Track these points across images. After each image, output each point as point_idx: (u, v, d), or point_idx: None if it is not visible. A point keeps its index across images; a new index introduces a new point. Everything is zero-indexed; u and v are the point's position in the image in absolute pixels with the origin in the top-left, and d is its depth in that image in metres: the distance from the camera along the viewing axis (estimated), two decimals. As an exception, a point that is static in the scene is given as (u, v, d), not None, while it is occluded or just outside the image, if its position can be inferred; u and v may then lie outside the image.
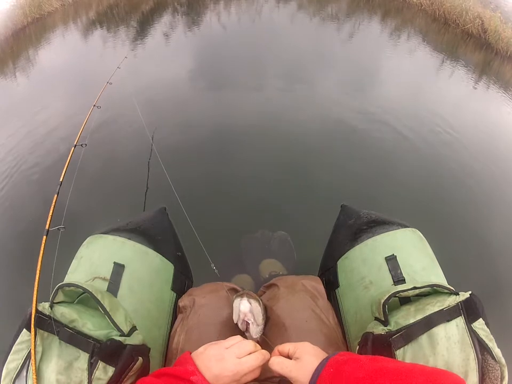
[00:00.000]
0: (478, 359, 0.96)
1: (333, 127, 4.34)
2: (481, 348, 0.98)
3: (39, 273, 1.28)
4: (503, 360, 0.96)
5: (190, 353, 0.91)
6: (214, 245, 2.46)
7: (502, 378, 0.95)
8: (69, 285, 1.08)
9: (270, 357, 0.95)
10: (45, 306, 1.01)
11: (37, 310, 0.98)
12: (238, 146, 3.87)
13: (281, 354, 0.96)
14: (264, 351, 0.95)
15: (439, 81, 6.65)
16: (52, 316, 0.98)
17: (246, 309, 1.15)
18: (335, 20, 8.62)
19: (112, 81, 3.23)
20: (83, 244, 1.47)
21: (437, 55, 7.83)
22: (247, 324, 1.16)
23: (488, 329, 1.02)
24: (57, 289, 1.07)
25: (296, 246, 2.74)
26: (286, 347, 0.95)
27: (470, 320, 1.01)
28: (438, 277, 1.36)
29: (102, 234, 1.48)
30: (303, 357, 0.90)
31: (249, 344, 0.94)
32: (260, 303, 1.21)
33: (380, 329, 1.08)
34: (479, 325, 1.01)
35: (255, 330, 1.17)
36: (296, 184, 3.46)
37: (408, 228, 1.52)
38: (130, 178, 3.41)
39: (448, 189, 3.71)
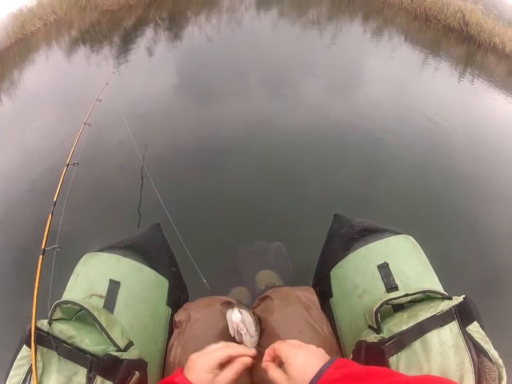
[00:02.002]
0: (473, 362, 0.97)
1: (322, 132, 4.36)
2: (476, 350, 0.99)
3: (37, 292, 1.31)
4: (500, 362, 0.98)
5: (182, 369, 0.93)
6: (209, 258, 2.49)
7: (500, 379, 0.96)
8: (66, 302, 1.12)
9: (263, 360, 0.95)
10: (43, 323, 1.05)
11: (36, 327, 1.02)
12: (227, 158, 3.89)
13: (273, 357, 0.95)
14: (240, 359, 0.95)
15: (423, 79, 6.73)
16: (50, 332, 1.02)
17: (238, 319, 1.17)
18: (317, 24, 8.69)
19: (101, 98, 3.24)
20: (80, 261, 1.50)
21: (420, 53, 7.91)
22: (241, 334, 1.18)
23: (483, 332, 1.03)
24: (55, 307, 1.11)
25: (292, 256, 2.75)
26: (280, 352, 0.92)
27: (464, 324, 1.03)
28: (432, 283, 1.36)
29: (97, 252, 1.51)
30: (295, 370, 0.86)
31: (220, 353, 0.94)
32: (251, 313, 1.23)
33: (372, 337, 1.10)
34: (474, 328, 1.03)
35: (249, 341, 1.18)
36: (288, 193, 3.47)
37: (401, 235, 1.53)
38: (123, 195, 3.43)
39: (441, 190, 3.74)
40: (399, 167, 3.94)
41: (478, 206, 3.61)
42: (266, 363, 0.93)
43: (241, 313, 1.18)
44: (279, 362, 0.93)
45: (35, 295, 1.28)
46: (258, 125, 4.43)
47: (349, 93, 5.57)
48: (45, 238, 1.62)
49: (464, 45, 9.17)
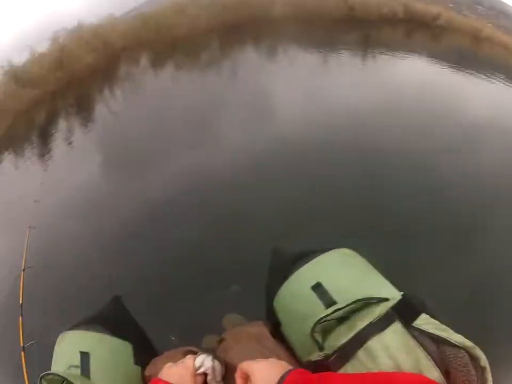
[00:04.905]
0: (432, 355, 0.95)
1: (247, 166, 4.53)
2: (434, 341, 0.98)
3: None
4: (468, 343, 0.96)
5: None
6: (175, 315, 2.68)
7: (477, 360, 0.94)
8: (48, 374, 1.36)
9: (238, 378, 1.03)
10: None
11: None
12: (174, 218, 4.04)
13: (242, 377, 1.02)
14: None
15: (330, 78, 7.08)
16: None
17: (209, 364, 1.22)
18: (213, 63, 8.95)
19: (38, 198, 3.42)
20: (56, 342, 1.70)
21: (318, 54, 8.28)
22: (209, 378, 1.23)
23: (436, 321, 1.03)
24: (41, 378, 1.35)
25: (252, 295, 2.75)
26: (243, 369, 1.01)
27: (408, 320, 1.03)
28: (375, 287, 1.35)
29: (67, 331, 1.72)
30: (259, 379, 0.94)
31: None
32: (221, 363, 1.30)
33: (316, 355, 1.12)
34: (422, 321, 1.02)
35: (213, 382, 1.24)
36: (233, 235, 3.61)
37: (330, 251, 1.55)
38: (83, 283, 3.45)
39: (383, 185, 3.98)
40: (336, 178, 4.11)
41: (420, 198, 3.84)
42: (238, 380, 1.02)
43: (213, 362, 1.23)
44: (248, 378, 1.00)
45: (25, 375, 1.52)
46: (192, 179, 4.59)
47: (262, 117, 5.78)
48: (21, 337, 1.86)
49: (356, 30, 9.75)
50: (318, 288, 1.37)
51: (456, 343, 0.95)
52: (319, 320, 1.14)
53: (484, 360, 0.94)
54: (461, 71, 7.45)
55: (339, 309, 1.14)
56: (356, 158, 4.45)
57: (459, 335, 0.98)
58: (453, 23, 10.85)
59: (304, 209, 3.78)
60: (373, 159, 4.40)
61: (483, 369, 0.93)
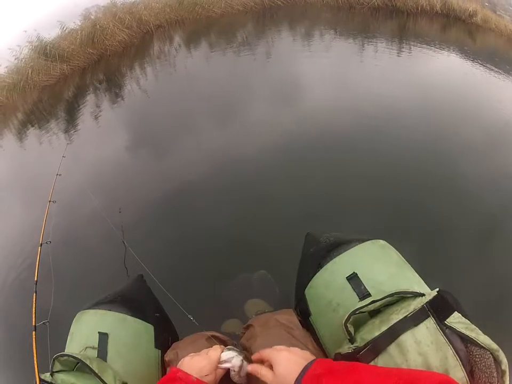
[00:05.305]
0: (459, 354, 0.95)
1: (281, 154, 4.41)
2: (463, 341, 0.98)
3: (37, 366, 1.42)
4: (494, 346, 0.96)
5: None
6: (196, 297, 2.61)
7: (499, 363, 0.94)
8: (62, 355, 1.26)
9: (254, 365, 1.04)
10: (46, 376, 1.20)
11: (40, 379, 1.17)
12: (195, 201, 3.93)
13: (259, 361, 1.04)
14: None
15: (366, 66, 6.81)
16: (53, 382, 1.17)
17: (238, 363, 1.14)
18: (248, 45, 8.77)
19: (61, 173, 3.31)
20: (73, 321, 1.62)
21: (354, 41, 8.07)
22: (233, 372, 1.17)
23: (467, 320, 1.02)
24: (54, 360, 1.26)
25: (278, 281, 2.81)
26: (266, 355, 1.01)
27: (441, 318, 1.02)
28: (409, 282, 1.36)
29: (86, 310, 1.63)
30: (281, 370, 0.94)
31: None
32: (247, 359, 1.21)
33: (346, 348, 1.09)
34: (455, 320, 1.01)
35: (236, 377, 1.18)
36: (262, 222, 3.51)
37: (366, 242, 1.55)
38: (102, 261, 3.45)
39: (409, 185, 3.80)
40: (364, 173, 3.96)
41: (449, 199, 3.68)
42: (254, 365, 1.03)
43: (242, 362, 1.14)
44: (268, 366, 1.00)
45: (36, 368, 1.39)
46: (218, 161, 4.49)
47: (293, 103, 5.66)
48: (33, 316, 1.75)
49: (393, 19, 9.55)
50: (353, 278, 1.37)
51: (483, 345, 0.95)
52: (354, 310, 1.14)
53: (505, 364, 0.94)
54: (494, 71, 7.14)
55: (375, 301, 1.13)
56: (386, 149, 4.35)
57: (486, 337, 0.98)
58: (489, 22, 10.62)
59: (337, 197, 3.69)
60: (404, 152, 4.30)
61: (503, 372, 0.94)
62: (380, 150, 4.30)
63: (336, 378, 0.84)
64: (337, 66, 6.90)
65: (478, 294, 2.65)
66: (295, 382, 0.88)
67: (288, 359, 0.95)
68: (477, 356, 0.95)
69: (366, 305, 1.13)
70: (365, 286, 1.33)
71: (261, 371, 0.99)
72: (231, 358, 1.13)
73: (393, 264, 1.46)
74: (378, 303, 1.14)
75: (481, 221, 3.47)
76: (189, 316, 1.73)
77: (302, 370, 0.89)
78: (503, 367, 0.94)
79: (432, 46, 7.69)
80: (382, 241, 1.57)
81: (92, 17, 10.51)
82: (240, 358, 1.14)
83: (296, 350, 1.01)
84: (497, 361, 0.94)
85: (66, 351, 1.49)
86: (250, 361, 1.14)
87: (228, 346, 1.20)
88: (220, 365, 1.10)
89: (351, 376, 0.84)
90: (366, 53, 7.43)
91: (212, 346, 1.21)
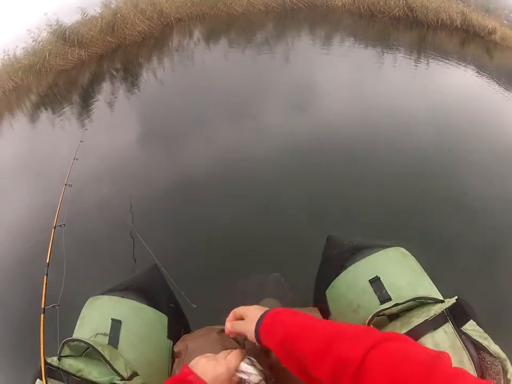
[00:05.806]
0: (473, 359, 0.99)
1: (297, 155, 4.40)
2: (476, 347, 1.01)
3: (43, 348, 1.41)
4: (502, 355, 0.99)
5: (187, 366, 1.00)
6: (209, 293, 2.61)
7: (505, 372, 0.97)
8: (72, 340, 1.22)
9: (228, 322, 1.08)
10: (53, 359, 1.15)
11: (46, 362, 1.12)
12: (210, 194, 3.93)
13: (236, 318, 1.07)
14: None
15: (383, 75, 6.85)
16: (60, 366, 1.12)
17: (256, 380, 1.06)
18: (267, 45, 8.75)
19: (78, 157, 3.29)
20: (84, 306, 1.59)
21: (373, 49, 8.07)
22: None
23: (481, 329, 1.05)
24: (63, 344, 1.21)
25: (290, 284, 2.79)
26: (238, 311, 1.06)
27: (459, 324, 1.06)
28: (426, 289, 1.38)
29: (99, 296, 1.60)
30: (250, 315, 1.02)
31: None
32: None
33: None
34: (470, 327, 1.05)
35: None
36: (277, 221, 3.50)
37: (389, 248, 1.57)
38: (114, 248, 3.45)
39: (427, 194, 3.82)
40: (386, 178, 4.00)
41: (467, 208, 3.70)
42: (228, 323, 1.07)
43: (260, 378, 1.07)
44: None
45: (42, 352, 1.37)
46: (233, 157, 4.48)
47: (310, 108, 5.65)
48: (43, 299, 1.73)
49: (413, 30, 9.54)
50: (375, 282, 1.40)
51: (493, 353, 0.99)
52: (378, 312, 1.17)
53: (510, 373, 0.97)
54: (510, 90, 7.05)
55: (398, 304, 1.17)
56: (398, 158, 4.36)
57: (497, 346, 1.01)
58: (507, 40, 10.50)
59: (353, 202, 3.72)
60: (417, 162, 4.32)
61: (508, 381, 0.97)
62: (391, 159, 4.31)
63: (291, 313, 0.96)
64: (354, 73, 6.90)
65: (487, 304, 2.61)
66: (259, 317, 0.98)
67: (256, 308, 1.03)
68: (488, 363, 0.99)
69: (389, 308, 1.17)
70: (386, 290, 1.36)
71: (234, 322, 1.05)
72: (250, 374, 1.08)
73: (413, 272, 1.48)
74: (400, 306, 1.17)
75: (493, 233, 3.49)
76: (193, 304, 1.83)
77: (266, 311, 1.00)
78: (508, 376, 0.97)
79: (450, 60, 7.67)
80: (402, 249, 1.59)
81: (113, 6, 10.57)
82: (260, 378, 1.07)
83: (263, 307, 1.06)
84: (504, 370, 0.97)
85: (75, 335, 1.46)
86: (269, 381, 1.10)
87: (249, 357, 1.12)
88: (236, 373, 1.06)
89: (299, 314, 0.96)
90: (384, 62, 7.45)
91: (224, 340, 1.23)
